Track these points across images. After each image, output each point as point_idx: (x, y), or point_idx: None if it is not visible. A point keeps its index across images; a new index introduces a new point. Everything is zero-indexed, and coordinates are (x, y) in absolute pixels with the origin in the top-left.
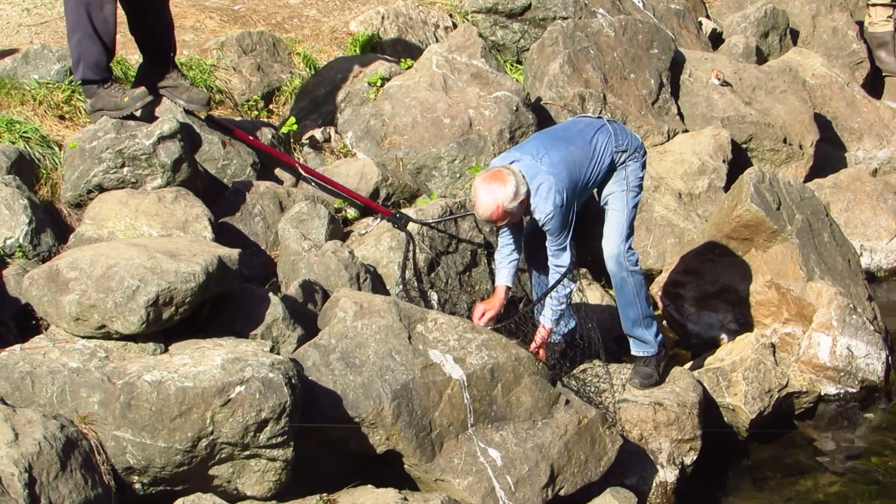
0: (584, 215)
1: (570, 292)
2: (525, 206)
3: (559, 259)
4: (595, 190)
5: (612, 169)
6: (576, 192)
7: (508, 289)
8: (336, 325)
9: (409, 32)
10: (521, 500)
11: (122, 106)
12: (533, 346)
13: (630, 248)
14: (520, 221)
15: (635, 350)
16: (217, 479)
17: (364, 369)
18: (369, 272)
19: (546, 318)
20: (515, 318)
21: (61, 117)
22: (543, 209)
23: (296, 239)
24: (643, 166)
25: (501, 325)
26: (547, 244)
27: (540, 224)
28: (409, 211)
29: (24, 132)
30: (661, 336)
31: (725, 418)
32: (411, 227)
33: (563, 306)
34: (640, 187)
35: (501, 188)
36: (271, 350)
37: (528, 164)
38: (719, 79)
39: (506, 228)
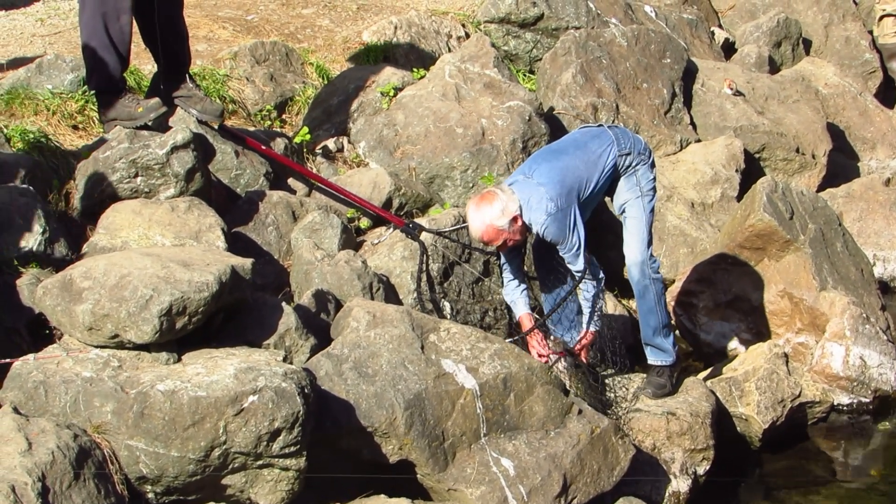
0: (594, 225)
1: (598, 293)
2: (522, 224)
3: (575, 265)
4: (609, 199)
5: (618, 174)
6: (576, 198)
7: (530, 315)
8: (349, 335)
9: (422, 42)
10: None
11: (135, 116)
12: (577, 346)
13: (652, 254)
14: (518, 253)
15: (653, 359)
16: (230, 489)
17: (377, 379)
18: (382, 282)
19: (585, 322)
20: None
21: (75, 127)
22: (538, 219)
23: (309, 248)
24: (652, 167)
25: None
26: (562, 254)
27: (541, 236)
28: (422, 221)
29: (38, 142)
30: (675, 343)
31: (738, 428)
32: (424, 237)
33: (596, 306)
34: (654, 190)
35: (488, 207)
36: (284, 359)
37: (519, 184)
38: (732, 88)
39: (506, 263)
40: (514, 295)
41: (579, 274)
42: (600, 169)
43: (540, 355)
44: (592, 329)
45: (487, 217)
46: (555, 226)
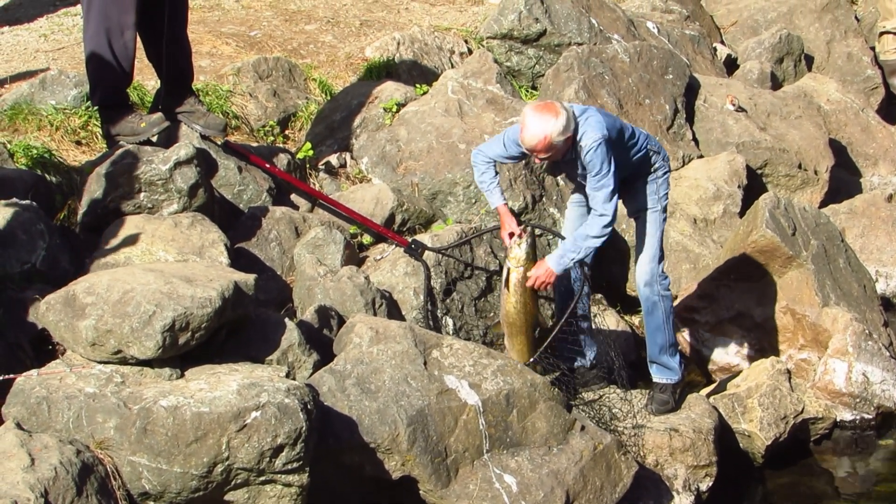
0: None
1: (592, 253)
2: (569, 144)
3: (604, 208)
4: (624, 203)
5: (644, 170)
6: (616, 149)
7: (506, 205)
8: (351, 351)
9: (425, 58)
10: None
11: (138, 131)
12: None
13: (663, 271)
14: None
15: (658, 377)
16: None
17: (379, 395)
18: (385, 297)
19: (567, 251)
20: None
21: (78, 142)
22: (592, 136)
23: (311, 264)
24: (668, 181)
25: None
26: (589, 192)
27: (584, 157)
28: (424, 236)
29: (42, 157)
30: (682, 363)
31: (741, 444)
32: (428, 256)
33: (582, 253)
34: (667, 208)
35: (553, 120)
36: (287, 375)
37: (577, 106)
38: (734, 104)
39: (482, 153)
40: (491, 185)
41: (605, 220)
42: (637, 150)
43: (511, 234)
44: (556, 269)
45: (549, 129)
46: (602, 151)
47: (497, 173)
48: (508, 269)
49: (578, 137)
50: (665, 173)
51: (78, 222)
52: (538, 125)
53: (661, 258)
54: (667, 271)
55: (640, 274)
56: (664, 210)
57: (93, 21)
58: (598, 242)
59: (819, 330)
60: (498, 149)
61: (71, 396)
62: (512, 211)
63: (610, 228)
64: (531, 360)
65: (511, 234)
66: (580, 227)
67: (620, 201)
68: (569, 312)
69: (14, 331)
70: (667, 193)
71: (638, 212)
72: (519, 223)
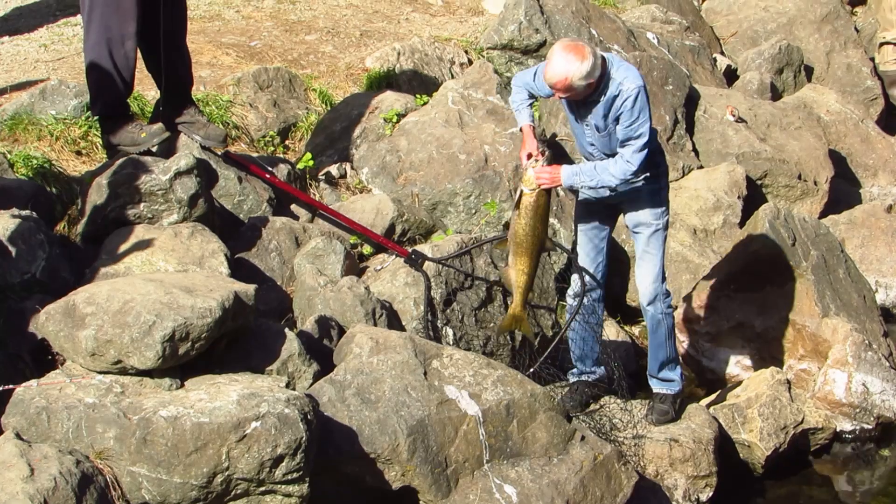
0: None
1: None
2: (591, 88)
3: (632, 155)
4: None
5: (651, 171)
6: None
7: (533, 126)
8: (352, 361)
9: (425, 69)
10: None
11: (139, 141)
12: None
13: (666, 289)
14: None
15: (658, 387)
16: None
17: (380, 405)
18: (385, 308)
19: (583, 171)
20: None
21: (78, 153)
22: (633, 82)
23: (312, 274)
24: (668, 193)
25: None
26: (621, 136)
27: (623, 100)
28: (424, 247)
29: (42, 167)
30: (682, 374)
31: (741, 455)
32: (428, 266)
33: (594, 182)
34: (668, 223)
35: (577, 62)
36: (287, 386)
37: (612, 55)
38: (734, 115)
39: (526, 84)
40: (522, 104)
41: (629, 168)
42: (651, 139)
43: (529, 155)
44: (564, 181)
45: (571, 70)
46: (643, 98)
47: (532, 96)
48: (521, 192)
49: (619, 81)
50: (667, 177)
51: (78, 232)
52: (562, 65)
53: (665, 277)
54: (667, 283)
55: (645, 294)
56: (666, 226)
57: (93, 31)
58: (613, 182)
59: (819, 340)
60: (528, 77)
61: (70, 407)
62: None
63: (631, 177)
64: (531, 370)
65: (529, 155)
66: (605, 160)
67: (621, 214)
68: (567, 324)
69: (14, 341)
70: (668, 207)
71: (638, 226)
72: (541, 145)
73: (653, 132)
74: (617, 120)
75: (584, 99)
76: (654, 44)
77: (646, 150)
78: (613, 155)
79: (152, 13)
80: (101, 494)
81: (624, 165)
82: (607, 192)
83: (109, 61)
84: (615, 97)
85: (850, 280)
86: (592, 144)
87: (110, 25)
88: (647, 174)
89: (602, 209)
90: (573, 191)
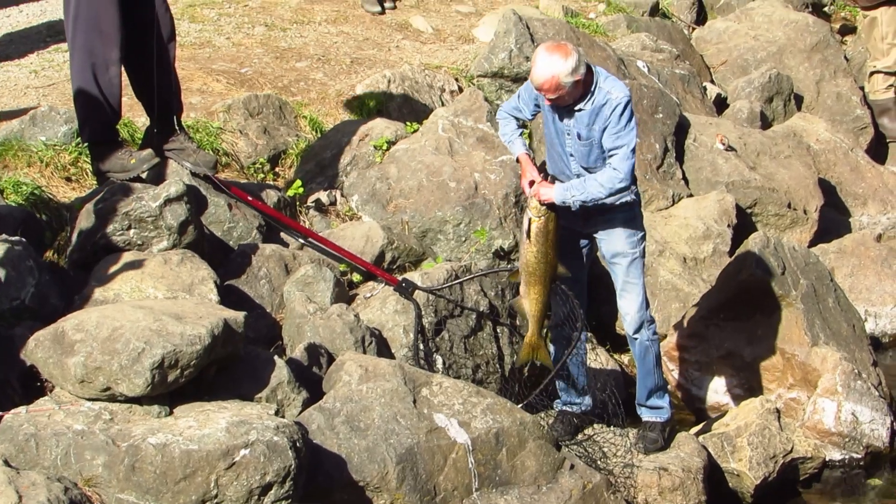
0: (589, 279)
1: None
2: (579, 89)
3: (620, 163)
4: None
5: (623, 204)
6: None
7: (530, 154)
8: (341, 389)
9: (415, 96)
10: None
11: (128, 168)
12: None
13: (650, 316)
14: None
15: (647, 416)
16: None
17: (369, 433)
18: (374, 335)
19: (573, 187)
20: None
21: (68, 179)
22: (620, 91)
23: (301, 302)
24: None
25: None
26: (607, 146)
27: (611, 110)
28: (414, 275)
29: (31, 194)
30: (671, 402)
31: (730, 484)
32: (418, 294)
33: (584, 196)
34: (646, 250)
35: (561, 60)
36: (276, 413)
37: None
38: (724, 143)
39: (512, 109)
40: (513, 135)
41: (617, 175)
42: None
43: (531, 182)
44: (556, 198)
45: (557, 68)
46: (631, 109)
47: (520, 124)
48: (530, 220)
49: (607, 90)
50: (640, 209)
51: (67, 259)
52: (547, 64)
53: (648, 304)
54: (657, 310)
55: (631, 323)
56: (643, 253)
57: (78, 57)
58: (602, 194)
59: (808, 369)
60: (513, 101)
61: (59, 433)
62: (534, 161)
63: (619, 187)
64: (524, 402)
65: (531, 182)
66: (595, 173)
67: (599, 249)
68: (566, 357)
69: (3, 367)
70: (644, 234)
71: (615, 257)
72: (541, 172)
73: None
74: (604, 130)
75: (571, 106)
76: (644, 72)
77: (632, 160)
78: (589, 170)
79: (139, 38)
80: None
81: (612, 174)
82: (580, 220)
83: (95, 87)
84: (602, 106)
85: (839, 309)
86: (571, 155)
87: (94, 51)
88: (631, 194)
89: (578, 240)
90: None
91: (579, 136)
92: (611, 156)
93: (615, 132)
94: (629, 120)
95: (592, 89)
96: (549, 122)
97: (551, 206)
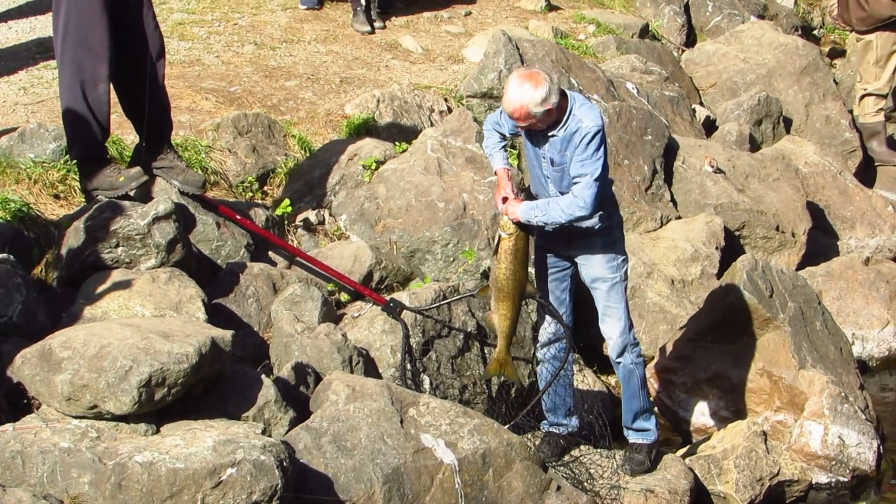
0: (574, 300)
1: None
2: (553, 115)
3: (582, 191)
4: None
5: (602, 221)
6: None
7: (508, 169)
8: (328, 408)
9: (404, 116)
10: None
11: (117, 185)
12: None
13: (634, 338)
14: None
15: (634, 438)
16: None
17: (355, 453)
18: (362, 355)
19: (537, 207)
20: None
21: (56, 196)
22: (592, 118)
23: (289, 321)
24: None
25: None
26: (573, 172)
27: (581, 137)
28: (402, 295)
29: (20, 211)
30: (657, 423)
31: None
32: (406, 314)
33: (545, 218)
34: (627, 273)
35: (532, 89)
36: (263, 432)
37: (577, 94)
38: (712, 166)
39: (494, 123)
40: (495, 148)
41: (578, 203)
42: (606, 187)
43: (504, 199)
44: (521, 216)
45: (526, 97)
46: (601, 138)
47: (504, 138)
48: (500, 237)
49: (580, 118)
50: (621, 233)
51: (55, 276)
52: (517, 93)
53: (632, 326)
54: (644, 332)
55: (614, 347)
56: (625, 277)
57: (66, 74)
58: (562, 219)
59: (795, 392)
60: (496, 116)
61: (46, 451)
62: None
63: (578, 214)
64: (511, 423)
65: (504, 199)
66: (559, 197)
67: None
68: (552, 379)
69: None
70: (625, 258)
71: (596, 281)
72: (522, 191)
73: (608, 182)
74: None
75: (545, 131)
76: (633, 94)
77: (595, 189)
78: (563, 194)
79: (128, 56)
80: None
81: (573, 201)
82: (562, 242)
83: (84, 105)
84: (573, 133)
85: (827, 332)
86: (547, 178)
87: (83, 69)
88: (598, 220)
89: (560, 261)
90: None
91: (552, 162)
92: (574, 183)
93: (581, 160)
94: (597, 149)
95: (567, 116)
96: (528, 145)
97: (522, 225)
